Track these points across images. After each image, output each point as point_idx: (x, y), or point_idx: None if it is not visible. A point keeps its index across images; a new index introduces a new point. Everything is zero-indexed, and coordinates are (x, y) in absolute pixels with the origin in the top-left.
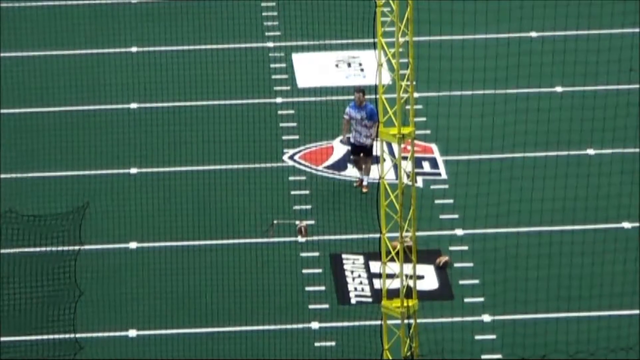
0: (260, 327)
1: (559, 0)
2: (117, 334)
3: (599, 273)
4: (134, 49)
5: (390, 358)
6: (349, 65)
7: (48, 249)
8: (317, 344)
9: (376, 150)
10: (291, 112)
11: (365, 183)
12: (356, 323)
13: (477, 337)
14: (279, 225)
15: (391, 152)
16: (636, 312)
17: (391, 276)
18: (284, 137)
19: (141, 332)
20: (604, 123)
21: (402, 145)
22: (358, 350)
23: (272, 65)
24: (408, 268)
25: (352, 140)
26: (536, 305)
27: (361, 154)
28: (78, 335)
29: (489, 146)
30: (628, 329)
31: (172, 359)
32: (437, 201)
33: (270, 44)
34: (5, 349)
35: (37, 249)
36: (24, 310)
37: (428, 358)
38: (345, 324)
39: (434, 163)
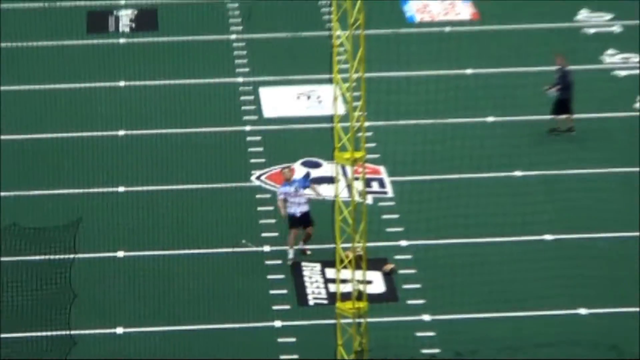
0: (230, 325)
1: (491, 42)
2: (107, 331)
3: (524, 279)
4: (121, 83)
5: (343, 352)
6: (309, 97)
7: (46, 257)
8: (279, 340)
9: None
10: (258, 138)
11: (305, 247)
12: (314, 322)
13: (418, 334)
14: (245, 245)
15: (345, 174)
16: (555, 312)
17: (344, 281)
18: (252, 160)
19: (127, 330)
20: (529, 148)
21: (355, 168)
22: (315, 346)
23: (241, 98)
24: (359, 274)
25: (293, 212)
26: (470, 306)
27: (301, 226)
28: (72, 332)
29: (430, 169)
30: (546, 327)
31: (157, 359)
32: (384, 216)
33: (240, 79)
34: (9, 344)
35: (37, 257)
36: (25, 310)
37: (375, 353)
38: (305, 322)
39: (382, 183)
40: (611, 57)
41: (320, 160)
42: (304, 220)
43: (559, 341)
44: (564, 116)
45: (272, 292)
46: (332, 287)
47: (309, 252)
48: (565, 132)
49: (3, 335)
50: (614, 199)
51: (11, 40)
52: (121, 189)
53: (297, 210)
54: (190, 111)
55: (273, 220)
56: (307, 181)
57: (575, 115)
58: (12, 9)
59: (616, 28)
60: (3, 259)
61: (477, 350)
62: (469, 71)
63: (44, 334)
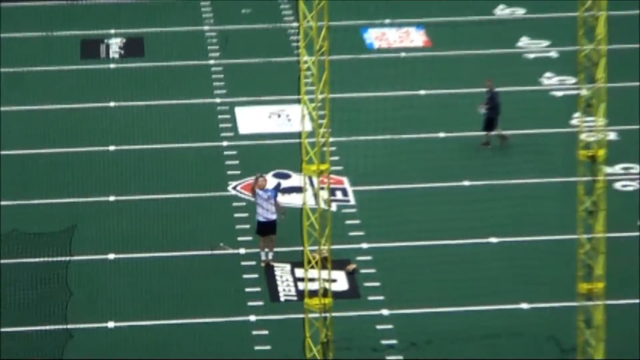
0: (210, 320)
1: (442, 66)
2: (99, 325)
3: (472, 277)
4: (111, 104)
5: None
6: (279, 116)
7: (45, 259)
8: (254, 333)
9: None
10: (234, 152)
11: (270, 257)
12: (285, 316)
13: (378, 327)
14: (224, 247)
15: (312, 184)
16: (500, 307)
17: (311, 280)
18: (229, 172)
19: (118, 324)
20: (476, 161)
21: (320, 178)
22: (286, 338)
23: (219, 117)
24: (324, 273)
25: (260, 218)
26: (424, 302)
27: (267, 234)
28: (69, 327)
29: (388, 179)
30: (492, 320)
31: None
32: (347, 222)
33: (218, 100)
34: (12, 337)
35: (36, 260)
36: (26, 307)
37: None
38: (276, 317)
39: (345, 192)
40: (549, 80)
41: (289, 172)
42: (269, 228)
43: (503, 333)
44: (494, 132)
45: (247, 289)
46: (301, 285)
47: (272, 263)
48: (484, 145)
49: (7, 330)
50: (552, 205)
51: (13, 65)
52: (112, 198)
53: (265, 215)
54: (173, 128)
55: (247, 226)
56: (277, 193)
57: (518, 132)
58: (13, 38)
59: (553, 54)
60: (5, 261)
61: (431, 341)
62: (422, 92)
63: (43, 328)
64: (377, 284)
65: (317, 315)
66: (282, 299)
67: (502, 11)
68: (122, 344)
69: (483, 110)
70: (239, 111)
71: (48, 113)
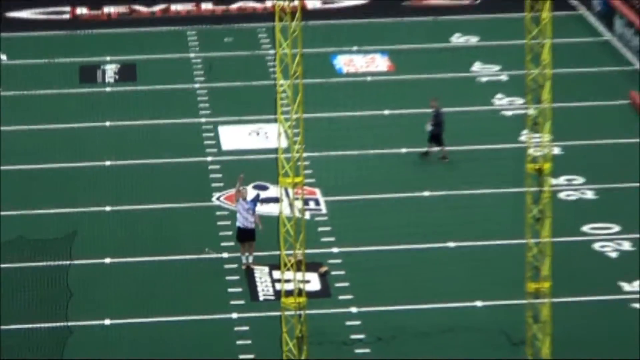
0: (196, 317)
1: (403, 88)
2: (97, 322)
3: (431, 278)
4: (107, 123)
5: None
6: (258, 134)
7: (47, 263)
8: (236, 329)
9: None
10: (217, 167)
11: (250, 261)
12: (263, 314)
13: (347, 323)
14: (209, 252)
15: (287, 195)
16: (456, 305)
17: (287, 281)
18: (213, 185)
19: (114, 321)
20: (436, 173)
21: (295, 190)
22: (264, 333)
23: (204, 134)
24: (299, 275)
25: (239, 225)
26: (389, 300)
27: (246, 240)
28: (69, 324)
29: (356, 190)
30: (449, 316)
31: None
32: (319, 229)
33: (203, 119)
34: (18, 333)
35: (40, 264)
36: (31, 307)
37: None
38: (256, 314)
39: (317, 202)
40: (500, 100)
41: (267, 184)
42: (248, 235)
43: (459, 328)
44: (437, 148)
45: (229, 290)
46: (278, 286)
47: (252, 266)
48: (441, 159)
49: (13, 327)
50: (504, 213)
51: (17, 89)
52: (108, 208)
53: (244, 223)
54: (163, 145)
55: (230, 232)
56: (256, 205)
57: (471, 147)
58: (18, 64)
59: (503, 77)
60: (12, 265)
61: (395, 336)
62: (386, 112)
63: (46, 325)
64: (346, 284)
65: (292, 312)
66: (261, 298)
67: (457, 39)
68: (118, 339)
69: (429, 127)
70: (222, 129)
71: (50, 132)
